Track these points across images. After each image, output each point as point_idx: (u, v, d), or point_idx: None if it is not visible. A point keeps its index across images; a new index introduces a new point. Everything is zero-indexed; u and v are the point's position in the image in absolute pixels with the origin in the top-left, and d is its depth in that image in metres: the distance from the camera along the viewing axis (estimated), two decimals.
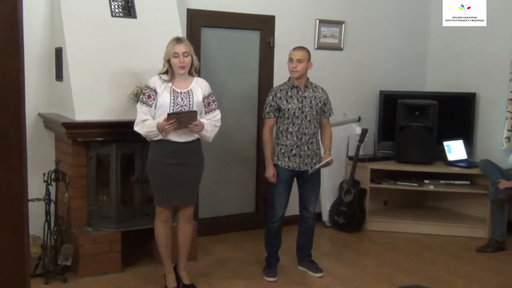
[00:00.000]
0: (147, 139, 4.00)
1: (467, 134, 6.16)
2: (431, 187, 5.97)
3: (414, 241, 5.60)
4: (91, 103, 4.32)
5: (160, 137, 3.89)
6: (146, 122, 3.90)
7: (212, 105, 4.10)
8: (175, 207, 4.19)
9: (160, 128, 3.84)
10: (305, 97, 4.41)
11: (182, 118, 3.84)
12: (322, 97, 4.50)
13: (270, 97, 4.44)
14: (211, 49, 5.38)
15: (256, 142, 5.68)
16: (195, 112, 3.91)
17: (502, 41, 5.90)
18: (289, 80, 4.48)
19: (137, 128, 3.94)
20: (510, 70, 5.73)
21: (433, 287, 1.29)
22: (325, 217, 6.02)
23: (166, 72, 3.97)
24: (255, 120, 5.64)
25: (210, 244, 5.22)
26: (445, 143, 5.99)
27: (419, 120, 5.90)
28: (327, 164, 4.52)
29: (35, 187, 4.19)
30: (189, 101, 3.95)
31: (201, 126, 3.95)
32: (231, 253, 5.09)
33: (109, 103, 4.38)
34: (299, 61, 4.33)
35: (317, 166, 4.43)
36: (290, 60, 4.36)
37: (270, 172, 4.43)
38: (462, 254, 5.24)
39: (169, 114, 3.81)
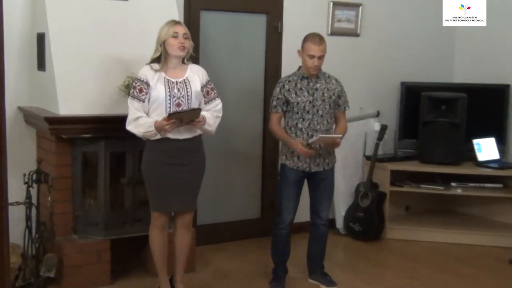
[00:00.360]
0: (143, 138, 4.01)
1: (499, 131, 6.16)
2: (459, 191, 5.96)
3: (440, 251, 5.59)
4: (77, 96, 4.33)
5: (158, 136, 3.89)
6: (140, 120, 3.88)
7: (211, 93, 4.10)
8: (173, 213, 4.20)
9: (159, 128, 3.83)
10: (316, 89, 4.41)
11: (184, 116, 3.85)
12: (336, 89, 4.50)
13: (278, 89, 4.44)
14: (212, 35, 5.39)
15: (262, 139, 5.69)
16: (199, 109, 3.92)
17: None
18: (299, 69, 4.48)
19: (130, 127, 3.92)
20: None
21: None
22: (340, 224, 6.02)
23: (157, 60, 3.97)
24: (261, 115, 5.64)
25: (210, 254, 5.23)
26: (475, 141, 5.99)
27: (446, 115, 5.89)
28: (333, 141, 4.39)
29: (15, 189, 4.19)
30: (187, 91, 3.95)
31: (204, 121, 3.95)
32: (234, 264, 5.10)
33: (97, 96, 4.39)
34: (320, 58, 4.33)
35: (322, 135, 4.33)
36: (311, 57, 4.31)
37: (295, 145, 4.32)
38: (494, 266, 5.24)
39: (170, 114, 3.81)
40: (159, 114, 3.88)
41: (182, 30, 3.92)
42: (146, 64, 4.00)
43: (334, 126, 4.54)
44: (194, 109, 3.91)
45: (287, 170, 4.46)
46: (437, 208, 6.47)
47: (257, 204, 5.83)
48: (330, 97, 4.44)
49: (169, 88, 3.91)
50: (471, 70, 6.54)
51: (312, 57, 4.31)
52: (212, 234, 5.47)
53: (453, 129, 5.88)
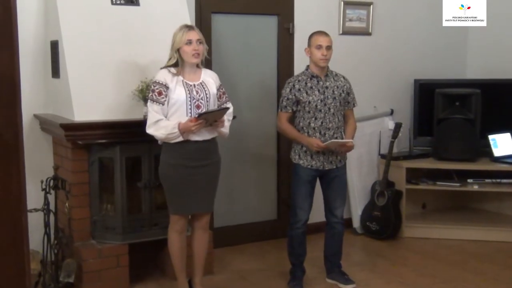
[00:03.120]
0: (159, 141, 4.02)
1: None
2: (476, 187, 5.93)
3: (458, 249, 5.57)
4: (91, 102, 4.35)
5: (180, 139, 3.90)
6: (161, 123, 3.89)
7: (223, 97, 4.15)
8: (189, 215, 4.21)
9: (185, 129, 3.84)
10: (326, 87, 4.41)
11: (212, 116, 3.89)
12: (345, 86, 4.50)
13: (288, 89, 4.44)
14: (223, 37, 5.40)
15: (276, 140, 5.69)
16: (227, 108, 3.99)
17: None
18: (307, 69, 4.48)
19: (150, 130, 3.93)
20: None
21: None
22: (356, 223, 6.01)
23: (174, 65, 3.99)
24: (274, 115, 5.60)
25: (227, 256, 5.24)
26: (491, 137, 5.96)
27: (460, 111, 5.86)
28: (346, 147, 4.39)
29: (32, 196, 4.20)
30: (205, 93, 3.98)
31: (224, 122, 4.01)
32: (251, 265, 5.11)
33: (111, 101, 4.41)
34: (328, 48, 4.34)
35: (335, 140, 4.34)
36: (318, 47, 4.32)
37: (313, 141, 4.32)
38: None
39: (200, 114, 3.83)
40: (179, 116, 3.89)
41: (195, 36, 3.93)
42: (162, 68, 4.02)
43: (343, 125, 4.54)
44: (222, 108, 3.98)
45: (300, 169, 4.46)
46: (454, 205, 6.44)
47: (273, 205, 5.83)
48: (340, 95, 4.45)
49: (188, 90, 3.93)
50: (484, 65, 6.51)
51: (319, 47, 4.32)
52: (229, 236, 5.47)
53: (468, 125, 5.85)
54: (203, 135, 3.97)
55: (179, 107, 3.91)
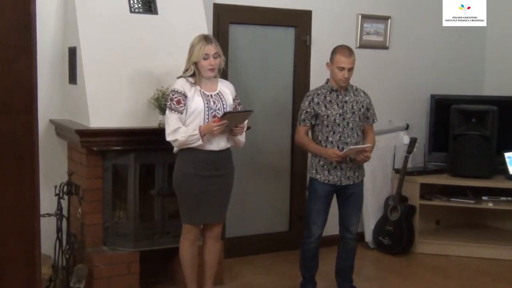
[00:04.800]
0: (175, 149, 4.01)
1: None
2: (490, 205, 5.89)
3: (471, 266, 5.52)
4: (107, 108, 4.37)
5: (200, 142, 3.88)
6: (180, 130, 3.89)
7: (238, 108, 4.14)
8: (202, 225, 4.20)
9: (206, 130, 3.84)
10: (346, 102, 4.40)
11: (235, 118, 3.89)
12: (365, 101, 4.48)
13: (306, 103, 4.43)
14: (240, 48, 5.41)
15: (291, 153, 5.68)
16: (251, 111, 4.00)
17: None
18: (327, 82, 4.47)
19: (170, 138, 3.92)
20: None
21: None
22: (369, 237, 5.98)
23: (192, 75, 4.00)
24: (289, 128, 5.63)
25: (237, 267, 5.23)
26: (507, 155, 5.91)
27: (476, 128, 5.83)
28: (364, 152, 4.32)
29: (46, 201, 4.22)
30: (222, 103, 3.99)
31: (244, 128, 4.02)
32: (262, 277, 5.09)
33: (127, 108, 4.43)
34: (350, 70, 4.32)
35: (353, 147, 4.29)
36: (341, 68, 4.29)
37: (331, 152, 4.28)
38: None
39: (224, 114, 3.84)
40: (196, 126, 3.90)
41: (212, 50, 3.93)
42: (179, 77, 4.03)
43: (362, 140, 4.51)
44: (247, 111, 3.99)
45: (316, 184, 4.43)
46: (468, 222, 6.39)
47: (285, 217, 5.82)
48: (360, 110, 4.42)
49: (206, 100, 3.94)
50: (502, 82, 6.47)
51: (342, 69, 4.29)
52: (240, 247, 5.46)
53: (484, 142, 5.81)
54: (218, 144, 3.96)
55: (197, 116, 3.91)
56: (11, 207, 1.30)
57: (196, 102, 3.92)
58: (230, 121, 3.85)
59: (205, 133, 3.85)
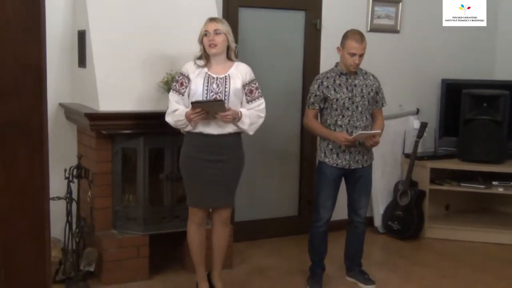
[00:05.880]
0: (181, 130, 4.03)
1: None
2: (501, 190, 5.87)
3: (480, 251, 5.52)
4: (117, 92, 4.37)
5: (190, 127, 3.91)
6: (177, 112, 3.92)
7: (255, 93, 4.04)
8: (210, 209, 4.22)
9: (187, 118, 3.87)
10: (355, 85, 4.38)
11: (207, 107, 3.84)
12: (374, 85, 4.46)
13: (316, 86, 4.42)
14: (250, 32, 5.39)
15: (300, 137, 5.68)
16: (221, 101, 3.86)
17: None
18: (336, 66, 4.45)
19: (168, 118, 3.98)
20: None
21: None
22: (378, 222, 5.98)
23: (201, 57, 4.00)
24: (299, 113, 5.61)
25: (247, 250, 5.25)
26: None
27: (487, 112, 5.80)
28: (374, 138, 4.32)
29: (55, 184, 4.24)
30: (225, 87, 3.95)
31: (232, 116, 3.89)
32: (271, 261, 5.10)
33: (137, 92, 4.43)
34: (361, 55, 4.30)
35: (362, 132, 4.29)
36: (352, 54, 4.27)
37: (340, 136, 4.29)
38: None
39: (192, 103, 3.83)
40: (184, 111, 3.92)
41: (212, 27, 3.92)
42: (193, 60, 4.03)
43: (371, 124, 4.50)
44: (216, 100, 3.88)
45: (325, 167, 4.43)
46: (478, 207, 6.38)
47: (294, 201, 5.83)
48: (369, 93, 4.41)
49: (207, 83, 3.93)
50: None
51: (353, 55, 4.27)
52: (249, 231, 5.47)
53: (495, 127, 5.79)
54: (216, 128, 3.94)
55: (197, 98, 3.90)
56: (20, 189, 1.30)
57: (196, 85, 3.93)
58: (205, 109, 3.81)
59: (188, 120, 3.86)
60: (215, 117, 3.87)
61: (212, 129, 3.94)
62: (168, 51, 4.50)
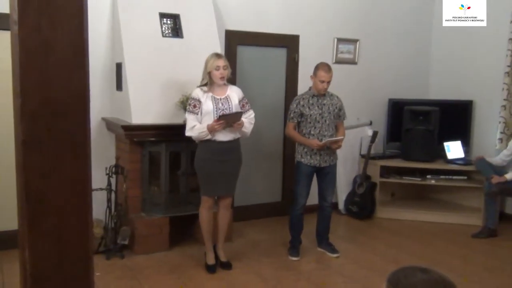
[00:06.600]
0: (196, 141, 4.00)
1: (464, 136, 6.04)
2: (433, 182, 5.87)
3: (418, 228, 5.51)
4: (145, 109, 4.36)
5: (209, 136, 3.90)
6: (195, 127, 3.92)
7: (246, 106, 4.10)
8: (216, 197, 4.20)
9: (210, 129, 3.86)
10: (324, 104, 4.38)
11: (229, 118, 3.88)
12: (338, 104, 4.46)
13: (294, 105, 4.41)
14: (246, 63, 5.38)
15: (283, 141, 5.66)
16: (241, 112, 3.97)
17: (496, 55, 5.76)
18: (309, 89, 4.46)
19: (188, 133, 3.95)
20: (503, 80, 5.59)
21: (433, 267, 1.26)
22: (341, 206, 5.96)
23: (205, 84, 3.98)
24: (282, 124, 5.58)
25: (243, 228, 5.22)
26: (445, 144, 5.88)
27: (423, 123, 5.80)
28: (337, 143, 4.34)
29: (99, 179, 4.25)
30: (229, 105, 3.97)
31: (242, 123, 3.98)
32: (261, 236, 5.08)
33: (160, 109, 4.41)
34: (329, 82, 4.30)
35: (329, 139, 4.30)
36: (321, 81, 4.26)
37: (313, 142, 4.28)
38: (459, 239, 5.13)
39: (220, 116, 3.84)
40: (208, 121, 3.91)
41: (222, 63, 3.92)
42: (197, 86, 4.01)
43: (335, 133, 4.49)
44: (237, 112, 3.95)
45: (301, 165, 4.42)
46: (416, 195, 6.37)
47: (279, 190, 5.80)
48: (334, 110, 4.41)
49: (215, 103, 3.93)
50: (443, 89, 6.43)
51: (322, 82, 4.28)
52: (245, 213, 5.45)
53: (428, 135, 5.79)
54: (226, 136, 3.95)
55: (209, 116, 3.91)
56: (68, 185, 1.30)
57: (207, 106, 3.92)
58: (227, 120, 3.85)
59: (210, 130, 3.86)
60: (231, 125, 3.90)
61: (223, 137, 3.95)
62: (182, 78, 4.48)
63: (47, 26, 1.23)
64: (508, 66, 5.53)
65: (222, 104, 3.95)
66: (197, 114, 3.93)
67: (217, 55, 3.97)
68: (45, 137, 1.25)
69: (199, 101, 3.93)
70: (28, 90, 1.23)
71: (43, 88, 1.24)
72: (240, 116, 3.94)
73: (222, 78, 3.93)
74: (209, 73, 3.94)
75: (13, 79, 1.27)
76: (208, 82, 3.97)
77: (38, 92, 1.24)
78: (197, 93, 3.97)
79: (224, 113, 3.91)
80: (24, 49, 1.22)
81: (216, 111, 3.91)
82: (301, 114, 4.36)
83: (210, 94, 3.96)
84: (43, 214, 1.27)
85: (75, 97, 1.27)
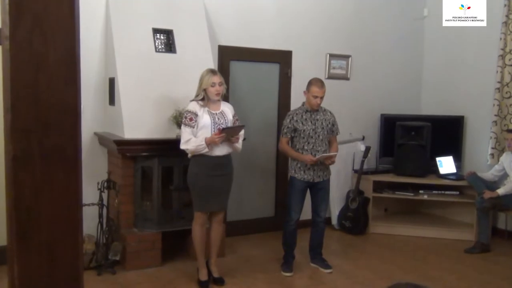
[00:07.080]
0: (189, 155, 3.99)
1: (456, 151, 6.07)
2: (425, 197, 5.87)
3: (411, 243, 5.50)
4: (138, 124, 4.35)
5: (206, 149, 3.88)
6: (191, 140, 3.89)
7: (236, 123, 4.13)
8: (208, 212, 4.17)
9: (210, 141, 3.84)
10: (317, 120, 4.39)
11: (231, 132, 3.89)
12: (331, 119, 4.48)
13: (288, 120, 4.42)
14: (239, 79, 5.40)
15: (276, 156, 5.66)
16: (243, 126, 4.00)
17: (487, 72, 5.82)
18: (303, 105, 4.46)
19: (183, 146, 3.92)
20: (493, 96, 5.64)
21: (427, 284, 1.25)
22: (334, 221, 5.95)
23: (201, 99, 3.98)
24: (275, 139, 5.60)
25: (236, 243, 5.19)
26: (437, 159, 5.90)
27: (415, 139, 5.83)
28: (331, 158, 4.33)
29: (91, 194, 4.23)
30: (225, 119, 3.99)
31: (238, 138, 4.01)
32: (254, 251, 5.05)
33: (152, 124, 4.41)
34: (322, 97, 4.31)
35: (323, 155, 4.29)
36: (314, 97, 4.28)
37: (307, 157, 4.27)
38: (452, 254, 5.13)
39: (223, 129, 3.83)
40: (205, 135, 3.90)
41: (218, 79, 3.93)
42: (191, 100, 4.01)
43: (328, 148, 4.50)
44: (239, 126, 3.98)
45: (295, 181, 4.42)
46: (409, 210, 6.37)
47: (272, 205, 5.78)
48: (327, 125, 4.42)
49: (212, 117, 3.93)
50: (434, 105, 6.47)
51: (315, 97, 4.29)
52: (238, 228, 5.42)
53: (421, 150, 5.81)
54: (222, 150, 3.95)
55: (205, 129, 3.91)
56: (59, 200, 1.29)
57: (205, 119, 3.91)
58: (227, 133, 3.85)
59: (209, 143, 3.84)
60: (229, 139, 3.90)
61: (219, 151, 3.94)
62: (175, 93, 4.49)
63: (38, 42, 1.23)
64: (499, 82, 5.59)
65: (219, 119, 3.97)
66: (193, 127, 3.92)
67: (212, 72, 3.97)
68: (35, 152, 1.24)
69: (196, 115, 3.93)
70: (18, 105, 1.23)
71: (34, 104, 1.24)
72: (240, 130, 3.96)
73: (217, 94, 3.94)
74: (205, 90, 3.94)
75: (4, 94, 1.27)
76: (205, 98, 3.97)
77: (29, 107, 1.24)
78: (194, 106, 3.96)
79: (221, 127, 3.91)
80: (15, 64, 1.22)
81: (214, 125, 3.92)
82: (295, 130, 4.37)
83: (206, 108, 3.96)
84: (32, 230, 1.26)
85: (66, 112, 1.27)
